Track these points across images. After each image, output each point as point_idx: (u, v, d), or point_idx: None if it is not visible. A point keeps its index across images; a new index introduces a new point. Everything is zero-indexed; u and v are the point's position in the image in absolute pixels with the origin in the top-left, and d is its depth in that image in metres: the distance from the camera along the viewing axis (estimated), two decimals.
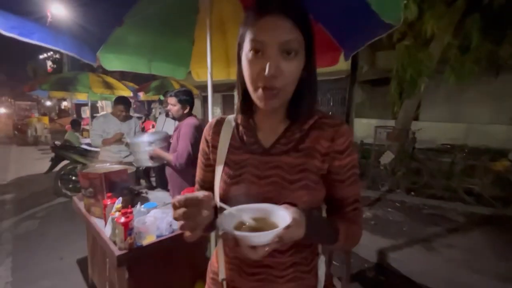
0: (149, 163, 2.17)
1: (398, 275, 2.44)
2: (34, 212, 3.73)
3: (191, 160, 1.92)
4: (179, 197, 0.50)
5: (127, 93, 5.53)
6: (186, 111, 2.11)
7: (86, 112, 8.38)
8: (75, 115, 12.13)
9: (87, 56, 1.99)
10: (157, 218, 1.52)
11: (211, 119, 1.73)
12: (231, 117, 0.74)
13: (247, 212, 0.54)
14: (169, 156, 2.03)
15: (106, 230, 1.50)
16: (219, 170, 0.69)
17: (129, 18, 1.94)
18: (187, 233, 0.52)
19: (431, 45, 3.94)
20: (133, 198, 1.87)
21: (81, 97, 6.95)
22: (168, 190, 2.22)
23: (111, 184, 1.69)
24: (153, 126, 4.70)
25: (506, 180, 3.68)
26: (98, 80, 5.14)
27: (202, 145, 0.76)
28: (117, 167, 2.09)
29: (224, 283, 0.69)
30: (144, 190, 2.14)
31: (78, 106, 12.35)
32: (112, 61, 2.13)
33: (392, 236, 2.89)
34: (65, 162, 4.31)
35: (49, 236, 3.07)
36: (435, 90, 6.38)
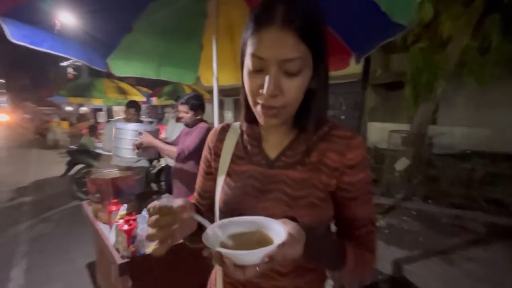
0: (132, 155, 1.96)
1: None
2: (49, 214, 3.84)
3: (189, 158, 1.92)
4: (154, 203, 0.44)
5: (140, 98, 5.67)
6: (199, 116, 2.10)
7: (102, 117, 8.64)
8: (92, 120, 12.54)
9: (98, 63, 2.03)
10: None
11: (216, 124, 1.69)
12: (237, 124, 0.70)
13: (238, 225, 0.49)
14: (165, 146, 1.98)
15: (110, 237, 1.49)
16: (220, 180, 0.65)
17: (138, 25, 1.97)
18: (155, 245, 0.45)
19: (448, 47, 3.78)
20: (140, 204, 1.87)
21: (97, 102, 7.18)
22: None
23: (118, 190, 1.70)
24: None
25: None
26: (112, 86, 5.29)
27: (205, 152, 0.72)
28: (118, 172, 2.07)
29: None
30: (155, 196, 2.12)
31: (95, 111, 12.78)
32: (122, 67, 2.17)
33: (408, 246, 2.76)
34: (80, 165, 4.43)
35: (62, 238, 3.13)
36: (454, 93, 6.12)
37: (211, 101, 1.91)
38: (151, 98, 7.44)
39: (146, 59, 2.25)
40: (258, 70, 0.50)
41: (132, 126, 2.08)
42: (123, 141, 2.05)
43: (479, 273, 2.33)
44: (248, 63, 0.51)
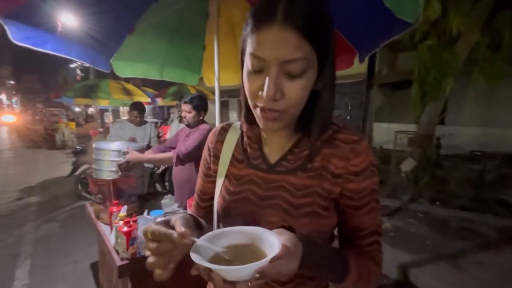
0: (112, 176, 1.83)
1: None
2: (54, 215, 3.88)
3: (189, 159, 1.89)
4: (153, 228, 0.41)
5: (145, 99, 5.70)
6: (201, 117, 2.08)
7: (109, 118, 8.73)
8: (99, 120, 12.70)
9: (101, 64, 2.04)
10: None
11: (217, 124, 1.67)
12: (238, 124, 0.67)
13: (231, 236, 0.45)
14: (158, 156, 1.96)
15: (110, 238, 1.48)
16: (219, 183, 0.63)
17: (140, 26, 1.97)
18: (158, 271, 0.42)
19: (457, 45, 3.70)
20: (141, 205, 1.86)
21: (103, 103, 7.26)
22: None
23: (119, 191, 1.69)
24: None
25: None
26: (118, 87, 5.34)
27: (204, 153, 0.70)
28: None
29: None
30: (161, 196, 2.11)
31: (103, 112, 12.95)
32: (125, 68, 2.17)
33: (414, 250, 2.69)
34: (86, 166, 4.47)
35: (67, 239, 3.16)
36: (463, 92, 6.00)
37: (215, 101, 1.89)
38: (156, 99, 7.48)
39: (149, 60, 2.25)
40: (258, 71, 0.46)
41: (114, 146, 1.96)
42: (104, 163, 1.92)
43: (490, 278, 2.26)
44: (247, 62, 0.48)
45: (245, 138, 0.63)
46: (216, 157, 0.65)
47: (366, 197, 0.54)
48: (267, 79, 0.45)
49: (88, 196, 4.31)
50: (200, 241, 0.43)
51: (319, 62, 0.48)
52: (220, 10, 1.75)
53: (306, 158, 0.55)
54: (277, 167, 0.57)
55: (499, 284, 2.19)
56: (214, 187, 0.65)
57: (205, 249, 0.43)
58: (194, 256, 0.40)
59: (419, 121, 4.36)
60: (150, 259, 0.41)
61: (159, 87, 8.35)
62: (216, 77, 1.75)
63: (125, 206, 1.53)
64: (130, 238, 1.31)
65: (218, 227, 0.64)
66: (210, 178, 0.67)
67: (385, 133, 6.89)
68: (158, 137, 4.60)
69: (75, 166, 4.49)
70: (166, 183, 4.36)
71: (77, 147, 4.63)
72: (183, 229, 0.41)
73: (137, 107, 3.12)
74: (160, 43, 2.17)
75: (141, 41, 2.07)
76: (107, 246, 1.45)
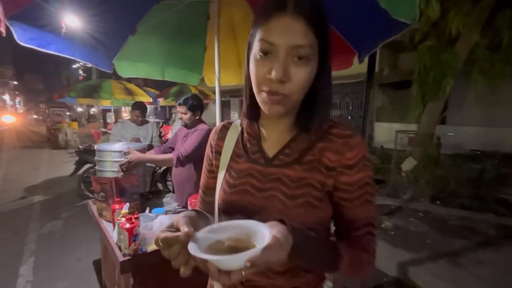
0: (115, 176, 1.85)
1: None
2: (58, 213, 3.92)
3: (189, 160, 1.92)
4: (161, 237, 0.45)
5: (147, 99, 5.74)
6: (198, 117, 2.11)
7: (111, 118, 8.79)
8: (101, 121, 12.78)
9: (103, 64, 2.07)
10: (163, 224, 1.51)
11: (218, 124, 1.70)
12: (238, 122, 0.70)
13: (227, 230, 0.48)
14: (159, 157, 1.99)
15: (113, 235, 1.51)
16: (220, 177, 0.66)
17: (142, 27, 2.00)
18: (182, 269, 0.46)
19: (457, 45, 3.70)
20: (143, 203, 1.89)
21: (106, 103, 7.31)
22: None
23: (121, 189, 1.72)
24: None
25: None
26: (120, 87, 5.38)
27: (207, 150, 0.74)
28: None
29: None
30: (162, 195, 2.14)
31: (105, 112, 13.02)
32: (127, 69, 2.21)
33: (414, 248, 2.71)
34: (88, 165, 4.51)
35: (70, 237, 3.20)
36: (463, 92, 5.99)
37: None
38: (158, 99, 7.53)
39: (150, 60, 2.28)
40: (267, 57, 0.51)
41: (116, 147, 2.01)
42: (107, 163, 1.98)
43: (489, 277, 2.27)
44: (256, 50, 0.52)
45: (245, 135, 0.66)
46: (218, 153, 0.69)
47: (359, 190, 0.57)
48: (276, 63, 0.49)
49: (90, 195, 4.36)
50: (203, 230, 0.47)
51: (320, 56, 0.52)
52: (221, 11, 1.77)
53: (302, 152, 0.58)
54: (274, 161, 0.60)
55: (499, 282, 2.20)
56: (216, 182, 0.68)
57: (203, 241, 0.46)
58: (191, 248, 0.42)
59: (420, 120, 4.37)
60: (173, 263, 0.46)
61: (161, 87, 8.40)
62: (216, 77, 1.78)
63: (127, 204, 1.56)
64: (132, 234, 1.33)
65: (219, 218, 0.67)
66: (213, 174, 0.71)
67: (386, 132, 6.90)
68: (160, 136, 4.63)
69: (78, 166, 4.53)
70: (168, 182, 4.40)
71: (80, 146, 4.67)
72: (186, 229, 0.45)
73: (139, 107, 3.15)
74: (162, 43, 2.21)
75: (143, 42, 2.10)
76: (109, 243, 1.48)
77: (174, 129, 3.88)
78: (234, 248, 0.45)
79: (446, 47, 3.69)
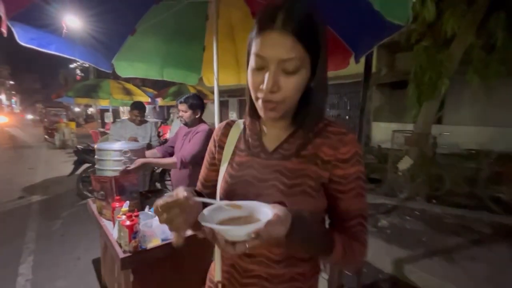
0: (115, 174, 1.86)
1: None
2: (57, 213, 3.93)
3: (194, 161, 1.94)
4: (160, 202, 0.49)
5: (145, 99, 5.74)
6: (198, 115, 2.13)
7: (109, 118, 8.78)
8: (99, 121, 12.75)
9: (103, 64, 2.09)
10: None
11: (216, 124, 1.73)
12: (241, 121, 0.76)
13: (232, 209, 0.53)
14: (162, 161, 2.02)
15: (113, 232, 1.54)
16: (222, 170, 0.71)
17: (141, 27, 2.02)
18: (174, 238, 0.51)
19: (452, 46, 3.75)
20: (142, 202, 1.91)
21: (104, 103, 7.30)
22: None
23: (121, 187, 1.74)
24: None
25: None
26: (118, 87, 5.39)
27: (210, 145, 0.79)
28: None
29: (220, 285, 0.69)
30: (161, 193, 2.15)
31: (103, 112, 12.98)
32: (126, 69, 2.22)
33: (410, 246, 2.75)
34: (87, 165, 4.52)
35: (69, 236, 3.21)
36: (459, 92, 6.06)
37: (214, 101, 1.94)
38: (156, 99, 7.53)
39: (149, 60, 2.30)
40: (260, 68, 0.55)
41: (117, 146, 2.03)
42: (107, 162, 2.00)
43: (483, 273, 2.31)
44: (251, 61, 0.57)
45: (247, 131, 0.71)
46: (221, 147, 0.74)
47: (352, 183, 0.61)
48: (266, 74, 0.54)
49: (89, 194, 4.36)
50: (207, 210, 0.52)
51: (312, 63, 0.56)
52: (220, 11, 1.79)
53: (300, 146, 0.63)
54: (274, 154, 0.65)
55: (492, 278, 2.24)
56: (217, 175, 0.73)
57: (211, 216, 0.51)
58: (201, 219, 0.47)
59: (416, 120, 4.42)
60: (169, 226, 0.50)
61: (159, 87, 8.41)
62: (215, 77, 1.80)
63: (127, 202, 1.58)
64: (133, 232, 1.36)
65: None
66: (214, 167, 0.76)
67: (384, 132, 6.95)
68: (158, 136, 4.64)
69: (76, 165, 4.53)
70: (166, 182, 4.42)
71: (79, 146, 4.67)
72: (185, 193, 0.50)
73: (138, 107, 3.16)
74: (161, 43, 2.23)
75: (142, 42, 2.12)
76: (110, 240, 1.50)
77: (173, 129, 3.90)
78: (239, 224, 0.49)
79: (441, 47, 3.74)
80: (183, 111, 2.08)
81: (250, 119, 0.69)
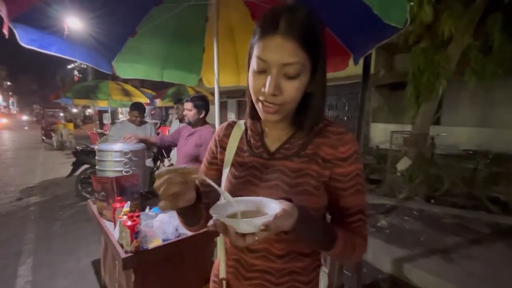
0: (116, 175, 1.90)
1: None
2: (56, 214, 3.92)
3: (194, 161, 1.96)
4: (165, 168, 0.51)
5: (144, 100, 5.74)
6: (202, 115, 2.15)
7: (108, 119, 8.77)
8: (97, 122, 12.72)
9: (103, 65, 2.10)
10: (163, 222, 1.55)
11: (217, 124, 1.74)
12: (242, 121, 0.77)
13: (242, 203, 0.55)
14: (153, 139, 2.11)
15: (114, 233, 1.54)
16: (225, 171, 0.72)
17: (141, 28, 2.03)
18: (162, 203, 0.52)
19: (449, 47, 3.79)
20: (143, 203, 1.92)
21: (102, 104, 7.29)
22: None
23: (122, 188, 1.75)
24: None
25: None
26: (117, 88, 5.38)
27: (211, 144, 0.80)
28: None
29: (224, 282, 0.70)
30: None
31: (101, 113, 12.96)
32: (126, 70, 2.23)
33: (409, 246, 2.76)
34: (85, 166, 4.51)
35: (68, 237, 3.20)
36: (457, 93, 6.11)
37: (214, 102, 1.95)
38: (155, 100, 7.53)
39: (150, 61, 2.31)
40: (262, 71, 0.56)
41: (117, 147, 2.04)
42: (107, 163, 2.01)
43: (481, 272, 2.33)
44: (253, 64, 0.57)
45: (248, 132, 0.72)
46: (223, 148, 0.75)
47: (352, 180, 0.63)
48: (268, 78, 0.55)
49: (88, 196, 4.35)
50: (221, 201, 0.55)
51: (312, 68, 0.58)
52: (219, 13, 1.81)
53: (301, 146, 0.65)
54: (276, 155, 0.66)
55: (490, 277, 2.26)
56: (216, 174, 0.75)
57: (221, 211, 0.53)
58: (213, 213, 0.49)
59: (414, 121, 4.45)
60: (166, 189, 0.50)
61: (158, 88, 8.41)
62: (215, 79, 1.81)
63: (128, 202, 1.59)
64: (134, 232, 1.36)
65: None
66: (214, 166, 0.77)
67: (382, 133, 6.98)
68: None
69: (75, 166, 4.52)
70: None
71: (77, 147, 4.66)
72: (192, 168, 0.52)
73: (138, 107, 3.17)
74: (161, 45, 2.24)
75: (142, 44, 2.13)
76: (111, 241, 1.51)
77: (172, 130, 3.90)
78: (248, 218, 0.51)
79: (439, 49, 3.78)
80: (188, 110, 2.10)
81: (251, 121, 0.71)
